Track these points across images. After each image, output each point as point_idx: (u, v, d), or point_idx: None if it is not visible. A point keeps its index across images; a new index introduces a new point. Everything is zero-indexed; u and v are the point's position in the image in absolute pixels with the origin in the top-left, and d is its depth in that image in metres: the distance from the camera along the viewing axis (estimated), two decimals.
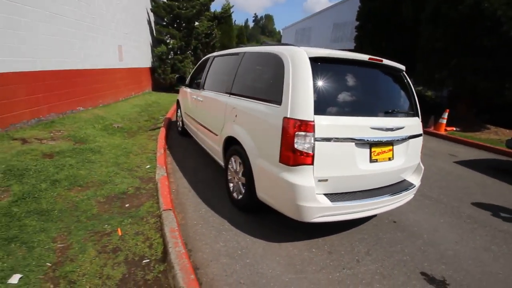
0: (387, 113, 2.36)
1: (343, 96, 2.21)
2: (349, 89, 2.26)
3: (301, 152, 1.98)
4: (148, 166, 3.44)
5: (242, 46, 3.54)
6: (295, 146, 1.98)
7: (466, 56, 6.81)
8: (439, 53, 7.35)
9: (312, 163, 2.00)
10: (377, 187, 2.36)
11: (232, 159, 2.80)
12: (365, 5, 10.51)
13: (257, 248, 2.16)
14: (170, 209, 2.40)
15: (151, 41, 10.26)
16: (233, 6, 15.05)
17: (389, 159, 2.34)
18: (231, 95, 2.88)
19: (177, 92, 11.62)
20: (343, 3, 20.02)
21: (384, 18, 9.53)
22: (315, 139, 1.98)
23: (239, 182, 2.69)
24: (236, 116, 2.67)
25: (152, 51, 10.40)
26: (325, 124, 2.01)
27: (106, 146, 4.01)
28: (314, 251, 2.20)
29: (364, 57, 2.31)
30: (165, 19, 10.32)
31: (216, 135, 3.16)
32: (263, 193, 2.32)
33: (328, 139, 2.03)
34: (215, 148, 3.24)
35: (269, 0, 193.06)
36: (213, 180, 3.34)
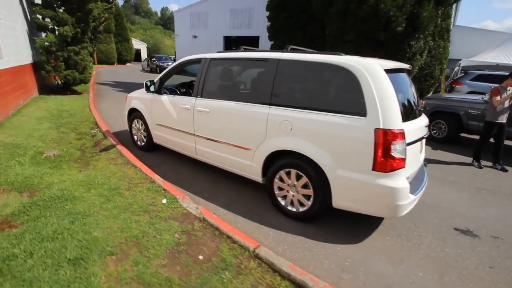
0: (419, 113, 2.80)
1: (403, 102, 2.45)
2: (402, 95, 2.52)
3: (397, 159, 2.13)
4: (165, 201, 2.78)
5: (244, 49, 3.20)
6: (392, 153, 2.11)
7: (368, 48, 8.41)
8: (348, 44, 8.76)
9: (404, 166, 2.20)
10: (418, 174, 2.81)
11: (282, 172, 2.67)
12: None
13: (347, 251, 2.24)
14: (259, 245, 2.12)
15: (27, 28, 7.56)
16: None
17: (420, 151, 2.81)
18: (272, 106, 2.64)
19: (79, 94, 9.57)
20: None
21: (298, 9, 10.39)
22: (406, 145, 2.18)
23: (299, 195, 2.62)
24: (291, 129, 2.51)
25: (31, 41, 7.74)
26: (408, 130, 2.22)
27: (72, 187, 2.92)
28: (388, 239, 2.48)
29: (405, 65, 2.62)
30: None
31: (248, 149, 2.86)
32: (343, 200, 2.39)
33: (410, 143, 2.26)
34: (243, 163, 2.95)
35: None
36: (255, 199, 3.05)
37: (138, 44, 43.37)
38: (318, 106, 2.42)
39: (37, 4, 7.83)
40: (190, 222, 2.47)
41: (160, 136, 3.99)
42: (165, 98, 3.74)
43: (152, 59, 24.00)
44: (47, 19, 7.85)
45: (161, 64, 22.75)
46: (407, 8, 7.82)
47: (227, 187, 3.31)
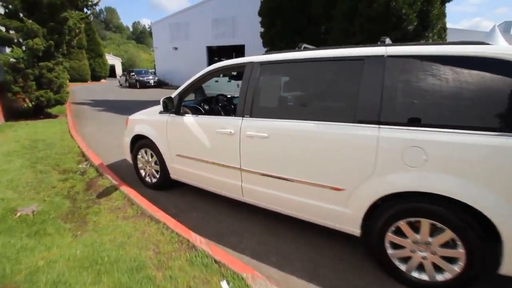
0: None
1: None
2: None
3: None
4: (226, 286, 1.76)
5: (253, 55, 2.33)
6: None
7: None
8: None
9: None
10: None
11: (401, 222, 1.77)
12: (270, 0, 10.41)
13: None
14: None
15: None
16: None
17: None
18: (384, 126, 1.75)
19: (54, 117, 8.36)
20: None
21: (296, 12, 9.75)
22: None
23: (436, 256, 1.73)
24: (425, 159, 1.62)
25: None
26: None
27: (70, 275, 1.83)
28: None
29: None
30: (10, 6, 6.47)
31: (339, 189, 1.94)
32: None
33: None
34: (329, 209, 2.02)
35: None
36: (347, 258, 2.10)
37: (112, 59, 41.47)
38: (471, 123, 1.56)
39: None
40: None
41: (182, 171, 2.96)
42: (189, 120, 2.75)
43: (131, 73, 22.58)
44: (12, 31, 6.57)
45: (141, 78, 21.38)
46: (418, 6, 7.36)
47: (296, 241, 2.34)
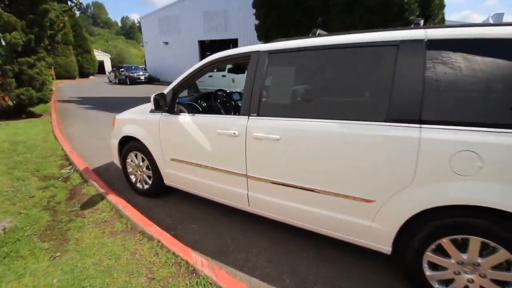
0: None
1: None
2: None
3: None
4: None
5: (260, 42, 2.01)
6: None
7: None
8: None
9: None
10: None
11: (444, 240, 1.48)
12: None
13: None
14: None
15: None
16: None
17: None
18: (427, 126, 1.44)
19: (38, 116, 7.89)
20: None
21: (292, 3, 9.37)
22: None
23: (487, 280, 1.45)
24: (481, 166, 1.32)
25: None
26: None
27: None
28: None
29: None
30: None
31: (368, 201, 1.64)
32: None
33: None
34: (354, 223, 1.72)
35: None
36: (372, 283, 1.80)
37: (100, 55, 40.30)
38: None
39: None
40: None
41: (177, 177, 2.62)
42: (185, 119, 2.39)
43: (120, 69, 21.86)
44: None
45: (131, 75, 20.71)
46: None
47: (310, 258, 2.03)
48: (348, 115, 1.65)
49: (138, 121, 2.82)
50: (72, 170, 3.69)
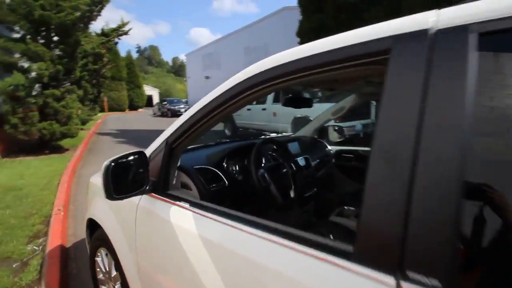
0: None
1: None
2: None
3: None
4: None
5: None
6: None
7: None
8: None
9: None
10: None
11: None
12: (310, 18, 9.06)
13: None
14: None
15: None
16: (128, 22, 11.10)
17: None
18: None
19: (64, 151, 7.20)
20: (252, 27, 19.04)
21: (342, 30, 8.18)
22: None
23: None
24: None
25: None
26: None
27: None
28: None
29: None
30: (17, 27, 5.68)
31: None
32: None
33: None
34: None
35: (151, 31, 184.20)
36: None
37: (150, 90, 43.37)
38: None
39: (1, 36, 5.71)
40: None
41: None
42: (189, 224, 0.98)
43: (163, 102, 22.46)
44: (17, 54, 5.71)
45: (172, 107, 21.01)
46: None
47: None
48: None
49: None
50: (39, 249, 2.48)
